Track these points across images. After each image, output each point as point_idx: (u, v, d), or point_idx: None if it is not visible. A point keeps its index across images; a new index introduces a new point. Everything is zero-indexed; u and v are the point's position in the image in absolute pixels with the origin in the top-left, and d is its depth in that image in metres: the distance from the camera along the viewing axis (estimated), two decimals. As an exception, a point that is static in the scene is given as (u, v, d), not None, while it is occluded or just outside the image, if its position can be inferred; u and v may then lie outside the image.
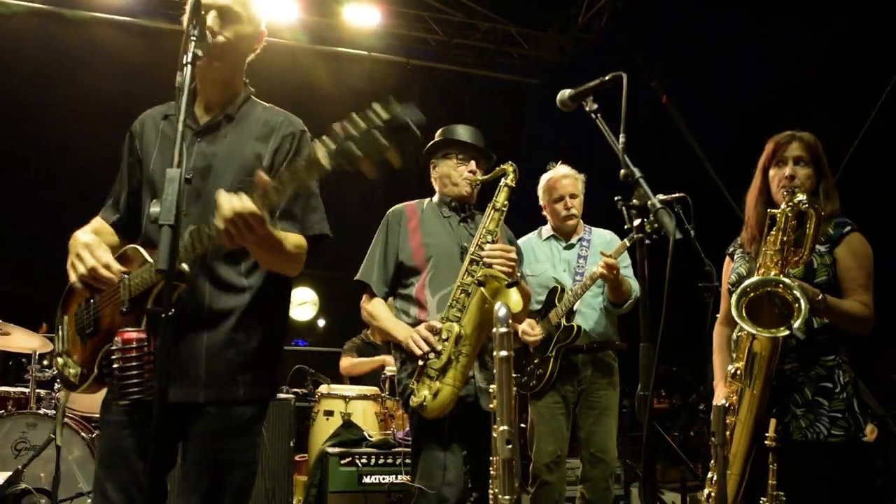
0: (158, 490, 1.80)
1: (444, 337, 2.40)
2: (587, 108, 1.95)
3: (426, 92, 8.03)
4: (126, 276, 1.73)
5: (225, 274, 1.85)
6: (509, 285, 2.37)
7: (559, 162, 3.66)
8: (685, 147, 7.21)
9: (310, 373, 4.75)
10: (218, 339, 1.82)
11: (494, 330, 1.38)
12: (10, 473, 2.90)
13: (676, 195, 3.04)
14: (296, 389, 4.58)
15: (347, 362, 4.98)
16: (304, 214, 1.90)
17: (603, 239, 3.52)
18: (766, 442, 2.07)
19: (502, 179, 2.64)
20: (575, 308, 3.35)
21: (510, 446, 1.34)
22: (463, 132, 2.81)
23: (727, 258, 2.71)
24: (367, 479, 3.57)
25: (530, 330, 3.37)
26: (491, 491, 1.45)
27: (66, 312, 1.96)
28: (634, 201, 1.77)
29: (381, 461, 3.62)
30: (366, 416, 4.15)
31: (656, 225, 3.08)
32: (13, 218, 6.88)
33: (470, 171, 2.75)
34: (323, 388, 4.38)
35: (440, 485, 2.38)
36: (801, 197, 2.21)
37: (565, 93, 2.00)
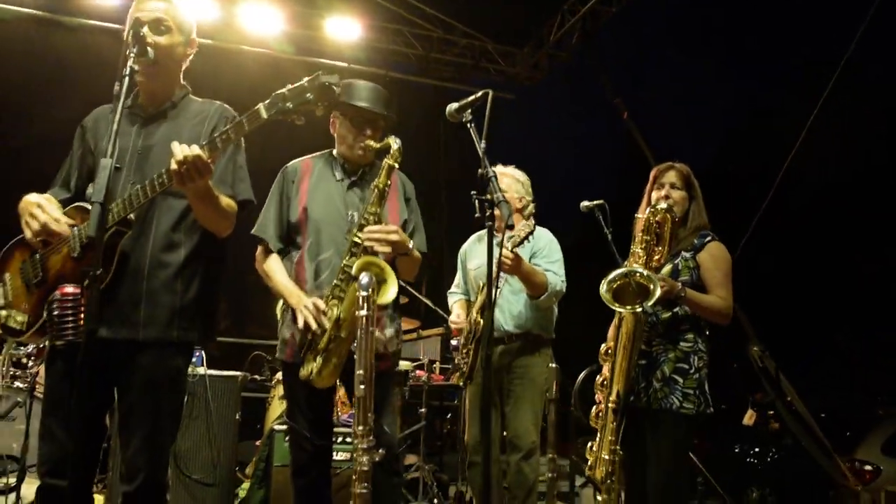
0: (98, 426, 2.24)
1: (326, 314, 2.53)
2: (464, 120, 2.31)
3: (403, 104, 8.36)
4: (76, 227, 2.10)
5: (166, 232, 2.22)
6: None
7: (512, 166, 3.91)
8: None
9: (266, 359, 5.07)
10: (158, 286, 2.18)
11: (357, 293, 1.71)
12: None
13: (596, 202, 3.41)
14: (255, 376, 4.90)
15: None
16: (234, 182, 2.31)
17: (535, 239, 3.68)
18: (609, 405, 2.44)
19: (385, 158, 2.66)
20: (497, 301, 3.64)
21: (363, 387, 1.69)
22: (362, 93, 2.76)
23: (627, 262, 3.10)
24: (310, 455, 3.85)
25: (455, 318, 3.68)
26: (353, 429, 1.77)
27: (6, 270, 2.29)
28: (487, 196, 2.13)
29: (324, 439, 3.90)
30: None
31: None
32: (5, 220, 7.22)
33: (364, 135, 2.74)
34: (280, 375, 4.70)
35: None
36: (662, 205, 2.71)
37: (452, 106, 2.39)
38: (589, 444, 2.63)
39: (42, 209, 2.11)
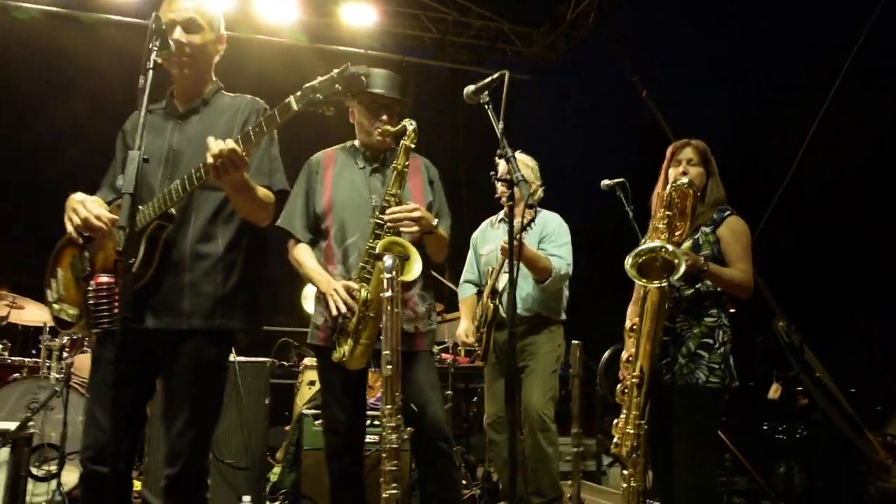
0: (138, 415, 2.29)
1: (355, 296, 2.57)
2: (481, 101, 2.34)
3: (420, 88, 8.35)
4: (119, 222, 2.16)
5: (204, 224, 2.28)
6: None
7: (519, 151, 3.98)
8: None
9: (294, 346, 5.15)
10: (199, 276, 2.25)
11: (381, 276, 1.76)
12: (19, 423, 3.35)
13: (617, 180, 3.44)
14: (282, 362, 4.98)
15: None
16: (270, 173, 2.37)
17: (543, 224, 3.80)
18: (633, 380, 2.47)
19: (402, 139, 2.71)
20: (502, 287, 3.67)
21: (390, 367, 1.73)
22: (377, 81, 2.81)
23: (648, 238, 3.11)
24: (338, 438, 3.93)
25: (464, 336, 3.77)
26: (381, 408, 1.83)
27: (59, 266, 2.39)
28: (506, 175, 2.15)
29: (351, 422, 3.98)
30: (345, 385, 4.53)
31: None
32: (28, 209, 7.47)
33: (380, 121, 2.79)
34: (307, 361, 4.78)
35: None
36: (683, 180, 2.70)
37: (470, 88, 2.42)
38: (615, 421, 2.66)
39: (83, 205, 2.19)
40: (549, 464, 3.64)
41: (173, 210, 2.19)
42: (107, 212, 2.21)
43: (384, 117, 2.81)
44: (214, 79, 2.48)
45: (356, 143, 2.95)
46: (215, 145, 2.04)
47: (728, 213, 2.85)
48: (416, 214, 2.62)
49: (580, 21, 8.30)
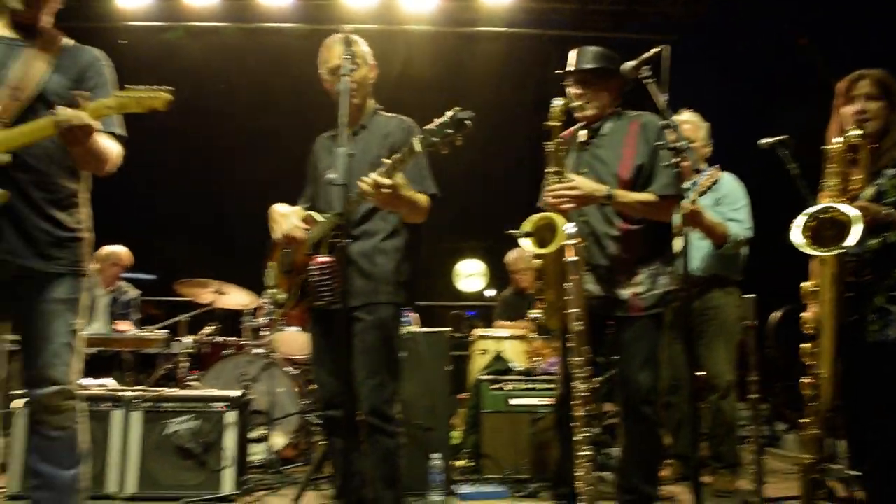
0: (349, 371, 2.75)
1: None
2: (641, 76, 2.42)
3: (563, 61, 8.38)
4: (308, 230, 2.74)
5: (365, 222, 2.79)
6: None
7: (688, 110, 3.91)
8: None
9: (465, 318, 5.47)
10: (364, 263, 2.75)
11: (564, 243, 1.94)
12: (241, 392, 3.88)
13: (780, 137, 3.35)
14: (455, 333, 5.30)
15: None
16: (422, 180, 2.75)
17: (718, 186, 3.69)
18: (812, 332, 2.42)
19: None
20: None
21: (577, 323, 1.92)
22: (569, 59, 2.93)
23: (820, 196, 2.99)
24: (513, 402, 4.20)
25: None
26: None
27: (272, 259, 3.00)
28: (674, 144, 2.25)
29: (524, 387, 4.23)
30: (515, 353, 4.76)
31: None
32: (214, 205, 8.39)
33: (576, 97, 2.88)
34: (477, 331, 5.07)
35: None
36: (853, 132, 2.49)
37: (629, 64, 2.51)
38: (801, 378, 2.53)
39: (285, 218, 2.80)
40: (730, 430, 3.69)
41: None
42: (301, 222, 2.77)
43: (575, 91, 2.90)
44: (372, 101, 2.90)
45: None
46: (370, 179, 2.43)
47: None
48: (574, 193, 2.65)
49: (724, -28, 7.98)
